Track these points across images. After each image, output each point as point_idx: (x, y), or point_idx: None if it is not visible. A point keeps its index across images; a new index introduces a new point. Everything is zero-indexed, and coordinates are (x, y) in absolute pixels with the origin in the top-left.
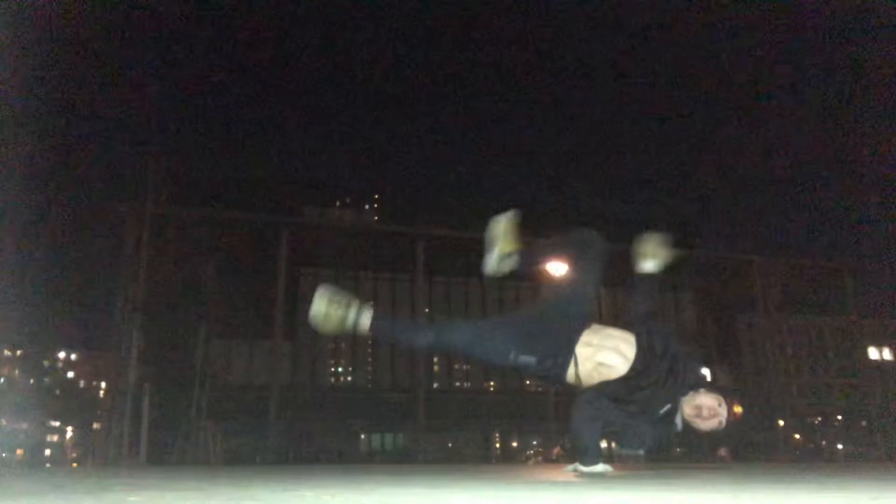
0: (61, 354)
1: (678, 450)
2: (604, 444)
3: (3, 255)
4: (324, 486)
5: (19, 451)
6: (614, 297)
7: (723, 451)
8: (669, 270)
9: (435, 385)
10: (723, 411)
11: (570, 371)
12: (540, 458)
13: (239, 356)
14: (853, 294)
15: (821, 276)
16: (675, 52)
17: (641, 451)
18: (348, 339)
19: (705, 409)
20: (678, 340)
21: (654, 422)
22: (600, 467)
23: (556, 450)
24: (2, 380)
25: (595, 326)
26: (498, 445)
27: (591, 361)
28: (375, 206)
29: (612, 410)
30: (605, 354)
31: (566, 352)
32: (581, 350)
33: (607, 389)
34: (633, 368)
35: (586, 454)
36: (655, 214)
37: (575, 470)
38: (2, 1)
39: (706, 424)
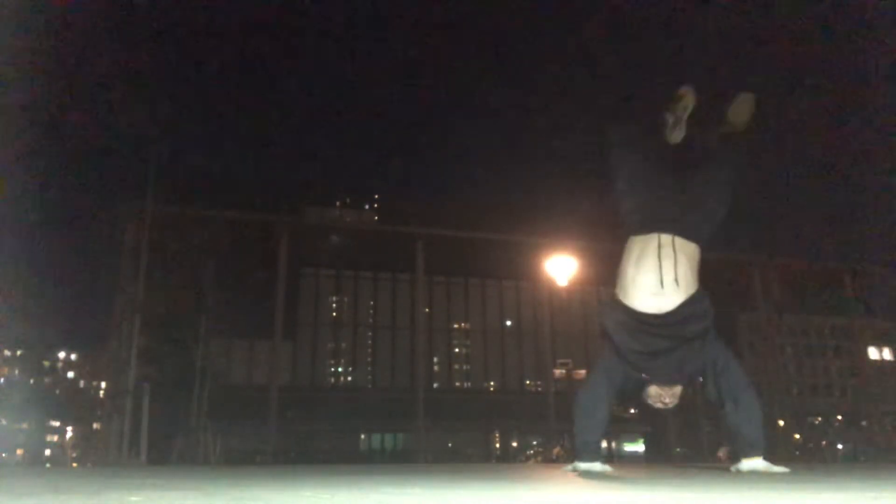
0: (61, 354)
1: (678, 450)
2: (604, 445)
3: (3, 255)
4: (323, 486)
5: (19, 451)
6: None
7: (722, 453)
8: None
9: (435, 385)
10: (670, 401)
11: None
12: (540, 458)
13: (239, 356)
14: (853, 294)
15: (821, 276)
16: (671, 45)
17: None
18: (348, 339)
19: (664, 395)
20: (720, 342)
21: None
22: (597, 466)
23: (556, 450)
24: (2, 380)
25: (681, 242)
26: (498, 445)
27: (666, 248)
28: (375, 206)
29: (630, 381)
30: (668, 262)
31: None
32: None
33: (630, 355)
34: (665, 315)
35: (584, 450)
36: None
37: (574, 469)
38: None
39: (650, 402)
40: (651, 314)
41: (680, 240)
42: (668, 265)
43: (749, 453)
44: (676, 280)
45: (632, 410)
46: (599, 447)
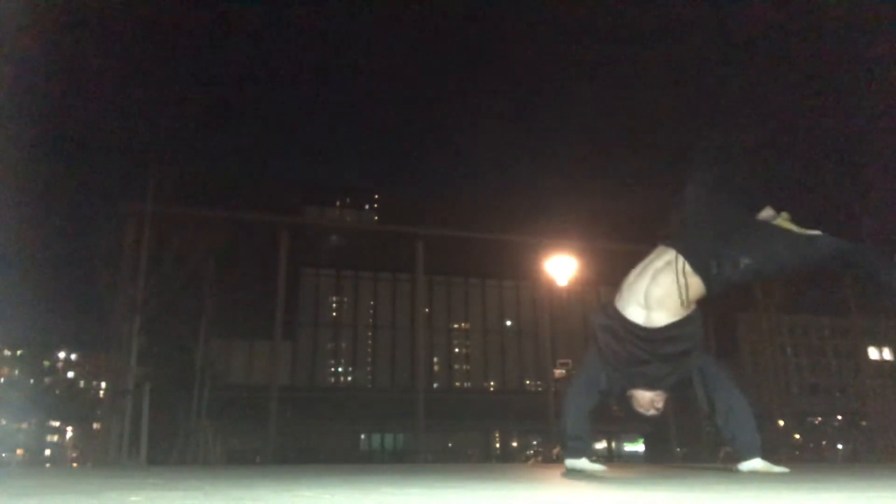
0: (61, 354)
1: (678, 450)
2: (603, 444)
3: (3, 255)
4: (323, 486)
5: (19, 451)
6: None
7: (724, 453)
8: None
9: (435, 385)
10: (662, 407)
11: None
12: (540, 458)
13: (239, 356)
14: (853, 294)
15: (821, 276)
16: (667, 52)
17: (652, 411)
18: (348, 339)
19: (658, 401)
20: (706, 354)
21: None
22: (583, 463)
23: (556, 450)
24: (2, 380)
25: (690, 271)
26: (498, 445)
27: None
28: (375, 206)
29: (614, 382)
30: (666, 276)
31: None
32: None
33: (612, 358)
34: (650, 329)
35: (569, 448)
36: (662, 213)
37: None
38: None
39: (642, 411)
40: (638, 325)
41: (689, 269)
42: (668, 282)
43: (747, 456)
44: (664, 298)
45: None
46: (584, 444)
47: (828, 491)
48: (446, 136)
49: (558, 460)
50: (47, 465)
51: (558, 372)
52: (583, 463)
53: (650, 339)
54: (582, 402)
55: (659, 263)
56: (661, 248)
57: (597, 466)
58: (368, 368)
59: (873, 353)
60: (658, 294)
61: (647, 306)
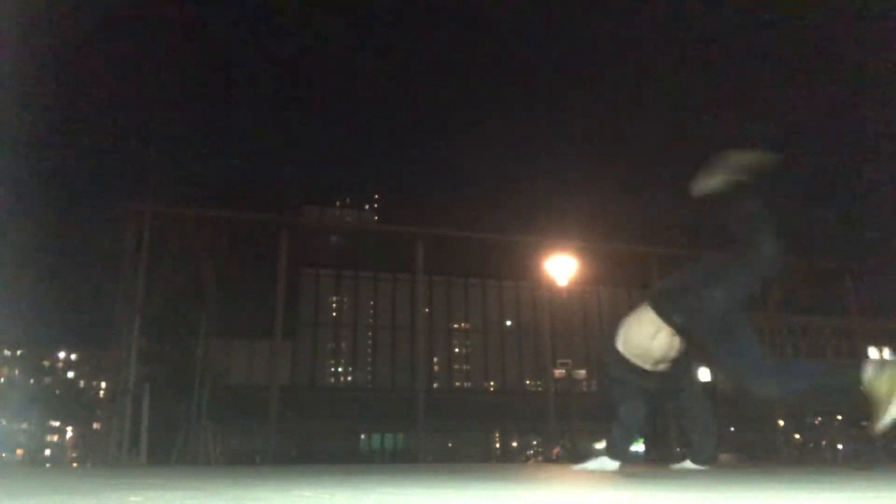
0: (61, 354)
1: (678, 450)
2: (603, 445)
3: (3, 255)
4: (323, 486)
5: (19, 451)
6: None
7: (725, 455)
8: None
9: (435, 385)
10: None
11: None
12: (540, 458)
13: (239, 356)
14: (853, 294)
15: (821, 276)
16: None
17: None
18: (348, 339)
19: None
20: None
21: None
22: (604, 462)
23: (556, 450)
24: (2, 380)
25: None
26: (498, 445)
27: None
28: (375, 206)
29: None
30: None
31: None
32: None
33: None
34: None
35: (611, 450)
36: (664, 217)
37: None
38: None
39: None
40: (641, 367)
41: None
42: (664, 344)
43: (696, 459)
44: (662, 356)
45: None
46: (625, 453)
47: (828, 491)
48: (446, 136)
49: (558, 460)
50: (47, 465)
51: (558, 372)
52: (604, 462)
53: (652, 375)
54: (631, 417)
55: (658, 333)
56: (651, 314)
57: (611, 465)
58: (368, 368)
59: (873, 353)
60: (656, 354)
61: (647, 361)
